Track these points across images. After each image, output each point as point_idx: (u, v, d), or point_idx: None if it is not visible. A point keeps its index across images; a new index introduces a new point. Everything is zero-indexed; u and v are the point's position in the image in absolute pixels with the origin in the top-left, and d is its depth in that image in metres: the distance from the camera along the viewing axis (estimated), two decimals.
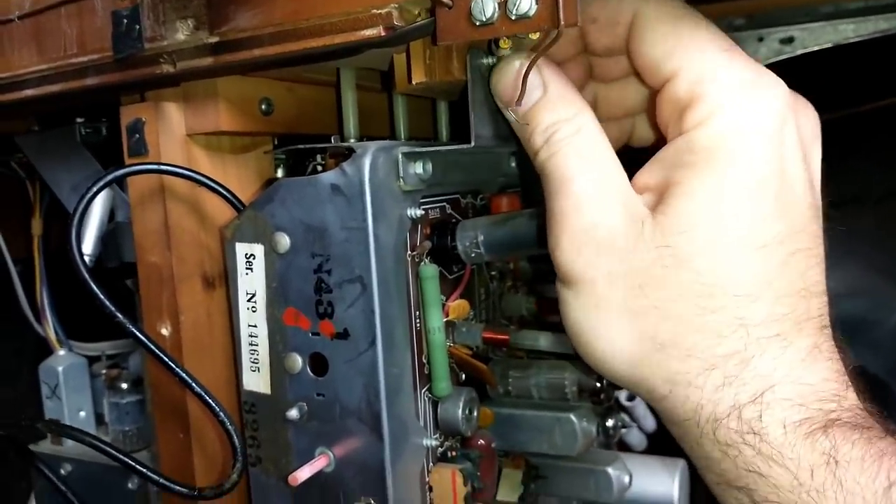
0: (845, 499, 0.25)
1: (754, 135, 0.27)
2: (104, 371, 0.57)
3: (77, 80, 0.37)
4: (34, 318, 0.60)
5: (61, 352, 0.58)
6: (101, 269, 0.46)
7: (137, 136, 0.37)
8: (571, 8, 0.25)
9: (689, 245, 0.27)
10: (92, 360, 0.60)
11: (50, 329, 0.59)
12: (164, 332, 0.38)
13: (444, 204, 0.37)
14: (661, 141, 0.31)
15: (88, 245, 0.45)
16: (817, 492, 0.26)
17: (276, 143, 0.42)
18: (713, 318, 0.27)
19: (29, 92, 0.38)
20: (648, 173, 0.30)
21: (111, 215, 0.47)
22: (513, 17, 0.26)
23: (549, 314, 0.44)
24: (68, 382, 0.57)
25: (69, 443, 0.55)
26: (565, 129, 0.29)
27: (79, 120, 0.46)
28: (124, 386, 0.55)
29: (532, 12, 0.26)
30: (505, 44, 0.30)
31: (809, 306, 0.28)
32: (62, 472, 0.55)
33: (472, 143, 0.33)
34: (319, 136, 0.40)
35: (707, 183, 0.27)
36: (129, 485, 0.51)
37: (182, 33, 0.33)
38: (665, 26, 0.29)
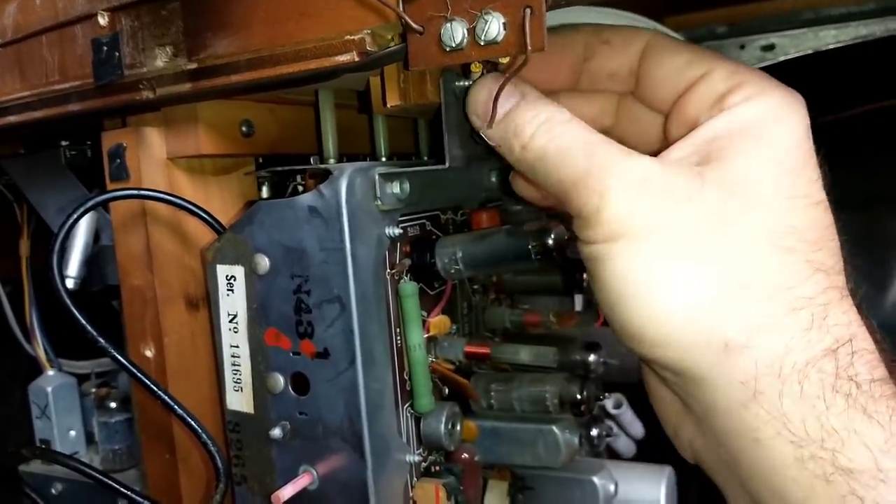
0: None
1: (796, 115, 0.28)
2: (93, 390, 0.57)
3: (59, 107, 0.37)
4: (24, 337, 0.60)
5: (50, 372, 0.59)
6: (87, 292, 0.46)
7: (119, 161, 0.38)
8: (538, 34, 0.25)
9: (758, 191, 0.27)
10: (81, 378, 0.60)
11: (39, 348, 0.59)
12: (149, 353, 0.38)
13: (424, 221, 0.38)
14: None
15: (73, 268, 0.45)
16: None
17: (260, 161, 0.42)
18: (791, 258, 0.26)
19: (12, 118, 0.39)
20: (680, 149, 0.29)
21: (96, 237, 0.47)
22: (482, 43, 0.26)
23: (536, 326, 0.44)
24: (58, 402, 0.57)
25: None
26: (559, 116, 0.29)
27: (63, 143, 0.46)
28: (113, 405, 0.55)
29: (500, 38, 0.26)
30: (476, 67, 0.31)
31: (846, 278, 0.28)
32: (53, 491, 0.55)
33: (447, 165, 0.33)
34: (301, 155, 0.40)
35: (763, 144, 0.27)
36: (120, 503, 0.51)
37: (161, 60, 0.33)
38: (683, 44, 0.31)
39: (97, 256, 0.45)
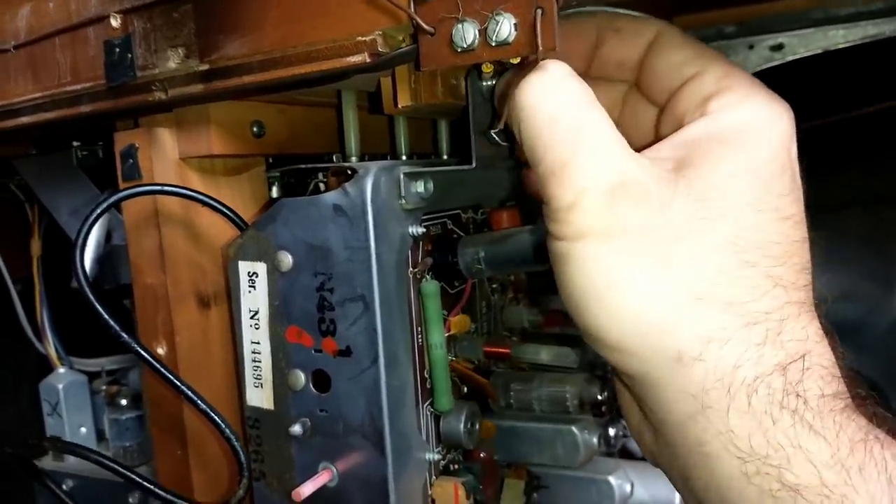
0: (889, 479, 0.24)
1: (777, 125, 0.28)
2: (104, 387, 0.58)
3: (71, 108, 0.37)
4: (34, 336, 0.61)
5: (61, 369, 0.59)
6: (99, 291, 0.46)
7: (131, 161, 0.37)
8: (549, 34, 0.25)
9: (726, 203, 0.27)
10: (92, 375, 0.60)
11: (50, 347, 0.60)
12: (161, 351, 0.38)
13: (446, 220, 0.38)
14: None
15: (85, 266, 0.45)
16: (859, 469, 0.24)
17: (270, 161, 0.42)
18: (751, 272, 0.26)
19: (24, 119, 0.39)
20: (662, 149, 0.29)
21: (108, 237, 0.47)
22: (493, 44, 0.26)
23: (555, 326, 0.44)
24: (69, 400, 0.57)
25: (71, 459, 0.55)
26: (562, 66, 0.28)
27: (75, 143, 0.46)
28: (124, 402, 0.55)
29: (511, 38, 0.26)
30: (488, 68, 0.31)
31: (812, 293, 0.28)
32: (64, 487, 0.55)
33: (474, 165, 0.33)
34: (311, 155, 0.40)
35: (738, 153, 0.28)
36: (130, 500, 0.51)
37: (173, 61, 0.33)
38: (689, 41, 0.31)
39: (109, 255, 0.45)
